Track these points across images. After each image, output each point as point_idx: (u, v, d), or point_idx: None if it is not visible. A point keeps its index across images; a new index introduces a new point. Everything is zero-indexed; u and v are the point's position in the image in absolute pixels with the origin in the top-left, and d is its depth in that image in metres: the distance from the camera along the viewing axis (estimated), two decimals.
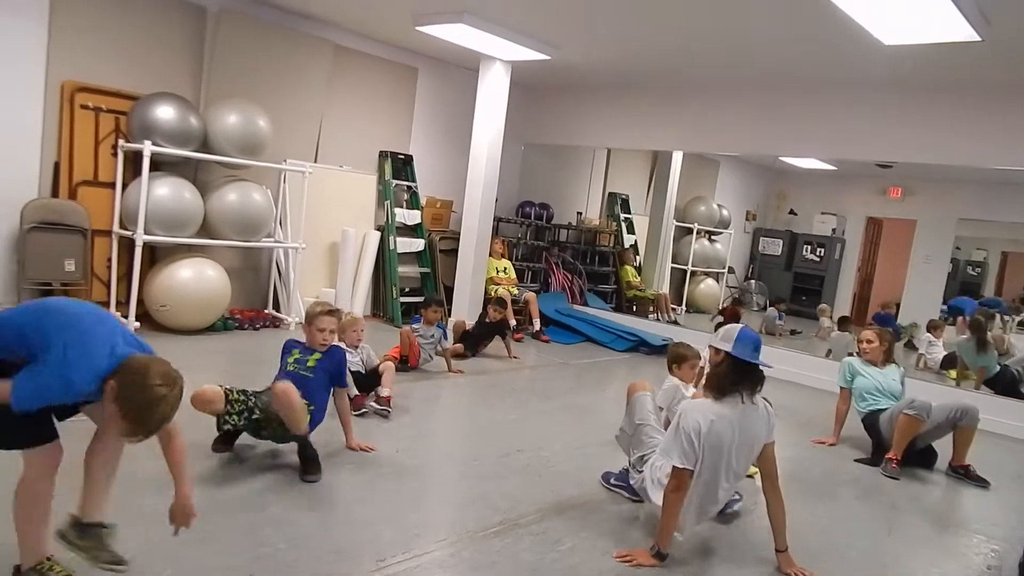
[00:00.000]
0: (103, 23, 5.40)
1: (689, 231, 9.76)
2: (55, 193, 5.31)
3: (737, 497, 3.24)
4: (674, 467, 2.69)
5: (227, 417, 3.15)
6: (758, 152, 8.19)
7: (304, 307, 5.56)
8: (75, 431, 2.20)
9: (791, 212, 10.47)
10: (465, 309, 6.96)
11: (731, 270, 10.32)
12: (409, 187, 7.56)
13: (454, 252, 7.50)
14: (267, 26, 6.28)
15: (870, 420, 4.52)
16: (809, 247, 10.19)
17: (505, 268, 7.73)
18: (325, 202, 6.81)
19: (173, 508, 2.23)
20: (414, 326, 5.35)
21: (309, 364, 3.42)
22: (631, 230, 10.05)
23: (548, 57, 6.50)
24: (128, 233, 5.33)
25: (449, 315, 6.61)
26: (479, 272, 7.29)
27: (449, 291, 7.43)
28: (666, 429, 3.02)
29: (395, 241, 7.22)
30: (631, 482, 3.11)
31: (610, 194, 9.95)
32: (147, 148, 5.18)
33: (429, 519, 2.96)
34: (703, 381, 3.10)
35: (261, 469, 3.21)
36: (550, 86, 8.51)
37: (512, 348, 6.42)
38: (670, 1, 4.85)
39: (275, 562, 2.44)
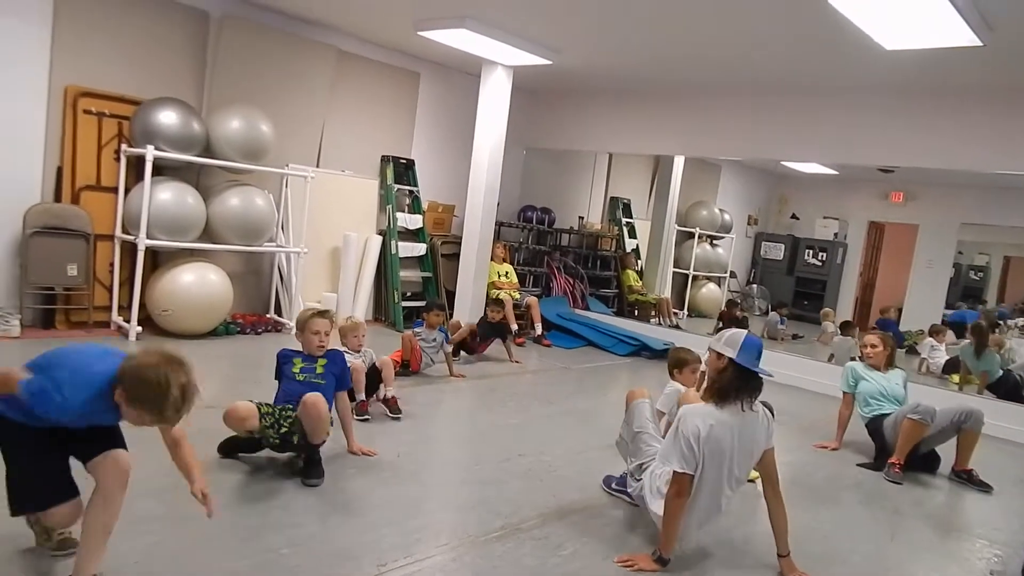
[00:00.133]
0: (106, 28, 5.42)
1: (691, 235, 9.76)
2: (58, 198, 5.32)
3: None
4: (674, 472, 2.68)
5: (265, 430, 3.16)
6: (760, 157, 8.20)
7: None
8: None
9: (793, 216, 10.48)
10: (467, 313, 6.96)
11: (733, 274, 10.32)
12: (411, 191, 7.58)
13: (456, 256, 7.50)
14: (270, 31, 6.30)
15: (874, 425, 4.52)
16: (811, 251, 10.19)
17: (507, 272, 7.74)
18: (327, 207, 6.82)
19: (194, 494, 2.27)
20: (416, 330, 5.35)
21: (318, 371, 3.41)
22: (633, 234, 10.05)
23: (549, 62, 6.52)
24: (130, 238, 5.34)
25: (451, 318, 6.61)
26: (481, 276, 7.30)
27: (451, 295, 7.43)
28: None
29: (397, 245, 7.23)
30: (629, 490, 3.10)
31: (612, 198, 9.96)
32: (150, 153, 5.20)
33: (430, 523, 2.95)
34: (703, 385, 3.09)
35: (262, 473, 3.21)
36: (552, 91, 8.52)
37: (514, 352, 6.42)
38: (671, 7, 4.87)
39: (277, 566, 2.44)
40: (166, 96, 5.53)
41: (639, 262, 9.87)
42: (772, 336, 8.95)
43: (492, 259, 7.54)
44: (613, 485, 3.44)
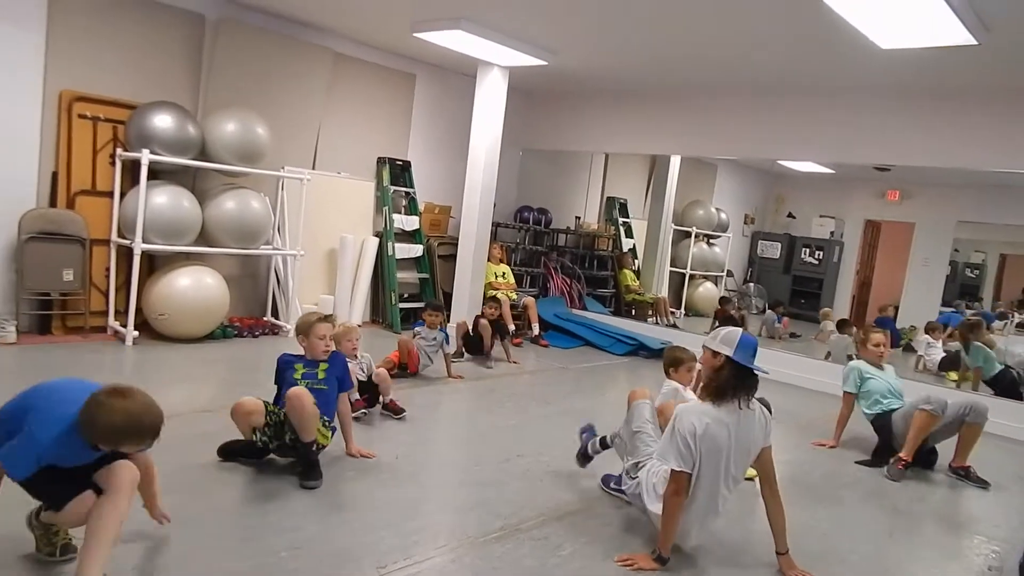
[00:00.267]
0: (101, 32, 5.42)
1: (687, 235, 9.77)
2: (53, 203, 5.31)
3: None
4: (672, 470, 2.68)
5: (265, 429, 3.17)
6: (756, 156, 8.21)
7: (302, 314, 5.56)
8: None
9: (789, 215, 10.48)
10: (464, 314, 6.95)
11: (730, 273, 10.33)
12: (407, 193, 7.57)
13: (453, 258, 7.50)
14: (266, 34, 6.30)
15: (882, 421, 4.50)
16: (808, 250, 10.19)
17: (504, 273, 7.74)
18: (323, 209, 6.82)
19: (155, 519, 2.51)
20: (416, 329, 5.36)
21: (320, 376, 3.40)
22: (629, 234, 10.06)
23: (545, 63, 6.52)
24: (126, 242, 5.33)
25: (448, 320, 6.61)
26: (478, 277, 7.30)
27: (448, 297, 7.43)
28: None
29: (394, 247, 7.22)
30: (624, 488, 3.11)
31: (608, 198, 9.96)
32: (145, 157, 5.19)
33: (429, 525, 2.95)
34: (698, 381, 3.10)
35: (262, 476, 3.21)
36: (548, 91, 8.53)
37: (511, 353, 6.42)
38: (667, 7, 4.87)
39: (276, 568, 2.43)
40: (161, 100, 5.53)
41: (636, 262, 9.87)
42: (770, 335, 8.96)
43: (489, 260, 7.54)
44: (612, 484, 3.44)
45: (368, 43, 7.09)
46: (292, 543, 2.61)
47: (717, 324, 7.12)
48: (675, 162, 9.37)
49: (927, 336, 7.81)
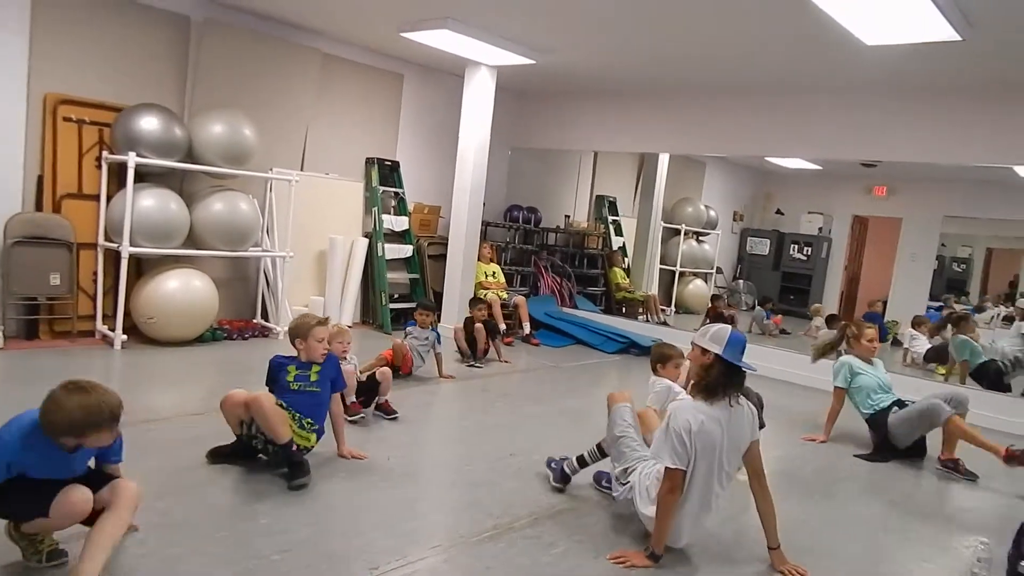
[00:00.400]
0: (85, 35, 5.38)
1: (677, 232, 9.80)
2: (39, 207, 5.27)
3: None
4: (666, 468, 2.69)
5: (252, 424, 3.19)
6: (744, 153, 8.25)
7: (292, 316, 5.55)
8: None
9: (778, 212, 10.53)
10: (455, 314, 6.96)
11: (719, 270, 10.37)
12: (396, 193, 7.56)
13: (443, 257, 7.50)
14: (253, 35, 6.27)
15: (877, 419, 4.53)
16: (796, 246, 10.25)
17: (494, 272, 7.74)
18: (312, 210, 6.79)
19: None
20: (408, 329, 5.35)
21: (313, 379, 3.39)
22: (619, 232, 10.08)
23: (533, 62, 6.52)
24: (113, 245, 5.30)
25: (439, 320, 6.60)
26: (468, 277, 7.30)
27: (439, 296, 7.42)
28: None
29: (383, 248, 7.21)
30: (615, 495, 3.07)
31: (598, 197, 9.98)
32: (131, 159, 5.16)
33: (422, 525, 2.95)
34: (689, 380, 3.10)
35: (252, 478, 3.19)
36: (536, 90, 8.53)
37: (503, 352, 6.42)
38: (654, 7, 4.88)
39: (268, 572, 2.43)
40: (147, 102, 5.49)
41: (626, 260, 9.89)
42: (760, 331, 9.00)
43: (479, 259, 7.54)
44: (604, 482, 3.44)
45: (356, 43, 7.07)
46: (283, 546, 2.61)
47: (708, 321, 7.14)
48: (664, 160, 9.39)
49: (912, 330, 7.87)
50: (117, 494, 2.17)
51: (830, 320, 8.12)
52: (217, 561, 2.46)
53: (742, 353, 2.75)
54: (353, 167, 7.34)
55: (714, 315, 7.52)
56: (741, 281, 10.51)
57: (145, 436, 3.51)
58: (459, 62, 6.94)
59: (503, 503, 3.20)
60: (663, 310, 9.46)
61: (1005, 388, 6.25)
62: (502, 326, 6.87)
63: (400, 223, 7.50)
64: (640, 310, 9.19)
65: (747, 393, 2.93)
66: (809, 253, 10.13)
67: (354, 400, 4.12)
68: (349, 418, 4.00)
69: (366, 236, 7.24)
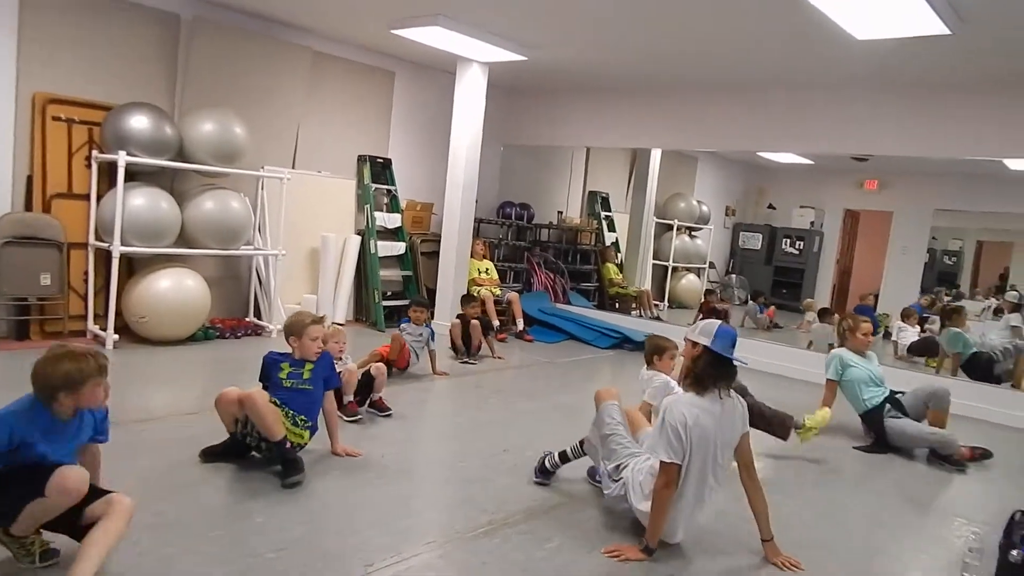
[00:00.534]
0: (74, 33, 5.34)
1: (669, 227, 9.82)
2: (28, 207, 5.24)
3: None
4: (662, 463, 2.70)
5: (247, 421, 3.18)
6: (736, 148, 8.26)
7: (285, 314, 5.54)
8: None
9: (770, 207, 10.56)
10: (448, 311, 6.96)
11: (712, 265, 10.40)
12: (389, 191, 7.55)
13: (436, 254, 7.49)
14: (243, 33, 6.24)
15: (872, 416, 4.58)
16: (788, 241, 10.29)
17: (487, 269, 7.74)
18: (304, 208, 6.78)
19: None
20: (402, 326, 5.34)
21: (305, 376, 3.39)
22: (612, 228, 10.09)
23: (524, 58, 6.52)
24: (104, 245, 5.28)
25: (432, 317, 6.60)
26: (461, 274, 7.29)
27: (432, 293, 7.42)
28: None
29: (376, 245, 7.20)
30: (606, 492, 3.05)
31: (590, 193, 9.99)
32: (122, 158, 5.13)
33: (417, 522, 2.95)
34: (681, 373, 3.10)
35: (245, 476, 3.19)
36: (528, 87, 8.52)
37: (496, 348, 6.43)
38: (644, 4, 4.88)
39: (263, 571, 2.42)
40: (137, 101, 5.47)
41: (619, 255, 9.90)
42: (753, 325, 9.03)
43: (472, 256, 7.54)
44: (597, 477, 3.45)
45: (347, 41, 7.05)
46: (278, 544, 2.60)
47: (701, 316, 7.17)
48: (656, 155, 9.40)
49: (900, 322, 7.92)
50: (112, 505, 2.20)
51: (823, 314, 8.15)
52: (212, 560, 2.46)
53: (733, 346, 2.76)
54: (345, 165, 7.33)
55: (707, 310, 7.54)
56: (734, 276, 10.54)
57: (138, 436, 3.50)
58: (450, 59, 6.93)
59: (497, 499, 3.21)
60: (656, 305, 9.48)
61: (995, 380, 6.29)
62: (495, 322, 6.87)
63: (393, 220, 7.49)
64: (633, 305, 9.21)
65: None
66: (801, 247, 10.16)
67: (351, 400, 4.12)
68: (347, 418, 4.00)
69: (359, 234, 7.23)
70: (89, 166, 5.42)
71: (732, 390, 2.82)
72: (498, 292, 7.55)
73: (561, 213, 9.73)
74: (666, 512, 2.73)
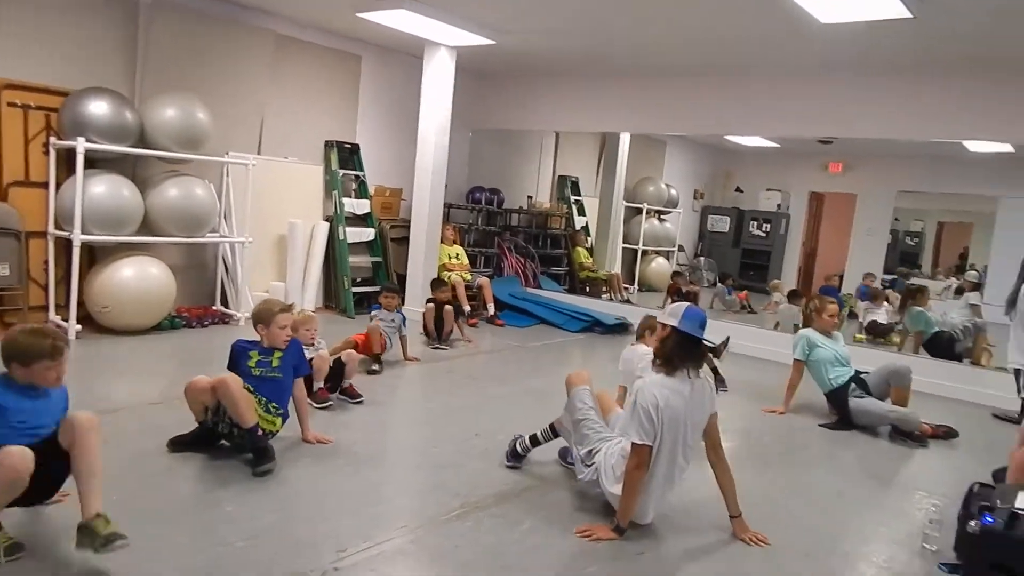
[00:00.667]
0: (29, 17, 5.18)
1: (639, 211, 9.87)
2: None
3: None
4: (633, 444, 2.73)
5: (218, 410, 3.15)
6: (703, 132, 8.32)
7: (253, 302, 5.47)
8: None
9: (737, 190, 10.68)
10: (418, 296, 6.93)
11: (681, 248, 10.49)
12: (357, 176, 7.47)
13: (405, 240, 7.45)
14: (203, 16, 6.11)
15: (838, 396, 4.66)
16: (756, 223, 10.41)
17: (457, 254, 7.71)
18: (271, 194, 6.68)
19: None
20: (373, 312, 5.31)
21: (274, 364, 3.36)
22: (582, 212, 10.11)
23: (492, 42, 6.47)
24: (65, 234, 5.16)
25: (403, 303, 6.56)
26: (431, 259, 7.27)
27: (402, 279, 7.38)
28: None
29: (345, 231, 7.13)
30: (579, 476, 3.08)
31: (560, 177, 9.99)
32: (80, 145, 5.01)
33: (389, 508, 2.95)
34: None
35: (214, 465, 3.16)
36: (496, 71, 8.47)
37: (467, 333, 6.42)
38: None
39: (234, 560, 2.41)
40: (96, 86, 5.33)
41: (589, 239, 9.94)
42: (724, 307, 9.14)
43: (442, 241, 7.51)
44: (568, 459, 3.48)
45: (311, 24, 6.93)
46: (249, 532, 2.59)
47: (670, 299, 7.23)
48: (625, 140, 9.43)
49: (864, 302, 8.07)
50: (73, 425, 2.31)
51: (792, 296, 8.27)
52: (182, 550, 2.44)
53: (702, 328, 2.80)
54: (312, 150, 7.23)
55: (674, 292, 7.60)
56: (702, 258, 10.65)
57: (104, 427, 3.44)
58: (418, 43, 6.86)
59: (469, 483, 3.22)
60: (626, 288, 9.54)
61: (956, 357, 6.46)
62: (466, 307, 6.87)
63: (361, 206, 7.42)
64: (604, 289, 9.26)
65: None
66: (768, 230, 10.29)
67: (321, 386, 4.09)
68: (317, 405, 3.98)
69: (327, 220, 7.16)
70: (47, 153, 5.28)
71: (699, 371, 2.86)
72: (468, 277, 7.54)
73: (531, 198, 9.72)
74: (637, 493, 2.77)
